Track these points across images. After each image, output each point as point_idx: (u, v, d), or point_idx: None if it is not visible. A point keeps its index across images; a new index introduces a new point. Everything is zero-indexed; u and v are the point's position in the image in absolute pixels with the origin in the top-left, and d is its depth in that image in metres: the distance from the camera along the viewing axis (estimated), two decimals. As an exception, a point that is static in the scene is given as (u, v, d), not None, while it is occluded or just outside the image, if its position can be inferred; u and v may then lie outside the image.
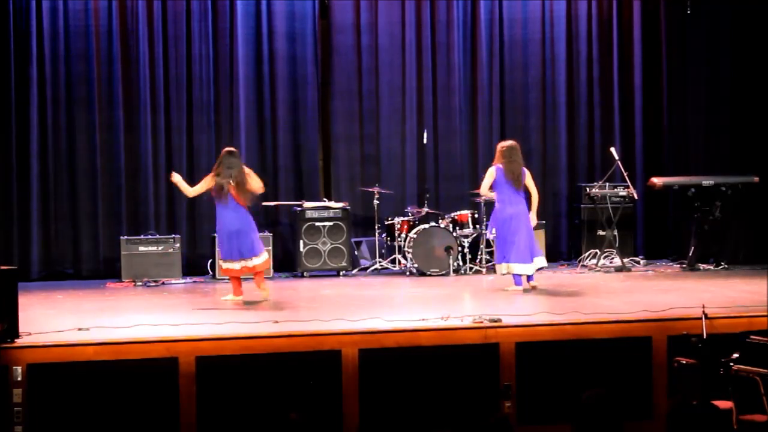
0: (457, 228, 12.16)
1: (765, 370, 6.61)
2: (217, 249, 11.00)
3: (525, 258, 10.35)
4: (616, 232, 12.60)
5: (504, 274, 10.49)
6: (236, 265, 9.88)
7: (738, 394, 6.65)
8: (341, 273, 12.24)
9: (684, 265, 12.28)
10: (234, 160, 9.93)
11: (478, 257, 12.28)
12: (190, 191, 10.13)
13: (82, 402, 7.43)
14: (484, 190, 10.64)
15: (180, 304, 9.98)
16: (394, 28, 13.19)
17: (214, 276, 12.00)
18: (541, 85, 13.48)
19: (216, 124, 12.76)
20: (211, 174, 9.95)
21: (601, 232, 12.72)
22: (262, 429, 7.45)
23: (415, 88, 13.23)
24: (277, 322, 8.38)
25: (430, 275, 11.87)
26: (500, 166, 10.48)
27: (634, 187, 12.62)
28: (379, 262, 12.51)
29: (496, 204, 10.55)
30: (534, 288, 10.41)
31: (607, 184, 12.74)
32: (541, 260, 10.55)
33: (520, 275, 10.40)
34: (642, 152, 13.61)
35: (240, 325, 8.35)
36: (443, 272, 11.91)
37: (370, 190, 12.64)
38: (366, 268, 12.55)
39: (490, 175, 10.51)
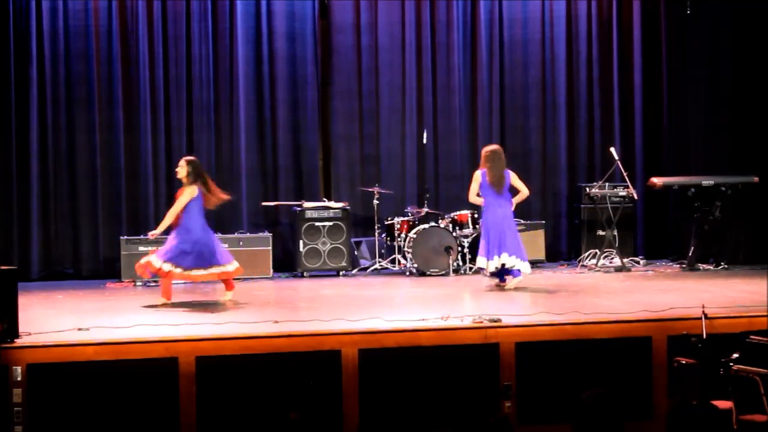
0: (457, 228, 12.16)
1: (765, 370, 6.61)
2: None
3: (520, 255, 10.54)
4: (616, 232, 12.61)
5: (495, 269, 10.58)
6: (230, 267, 9.91)
7: (738, 394, 6.65)
8: (341, 273, 12.24)
9: (684, 265, 12.27)
10: None
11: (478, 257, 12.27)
12: (174, 212, 9.88)
13: (82, 402, 7.44)
14: (473, 196, 10.74)
15: (180, 304, 9.97)
16: (394, 28, 13.19)
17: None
18: (541, 85, 13.48)
19: (216, 124, 12.76)
20: (192, 185, 9.83)
21: (601, 232, 12.72)
22: (262, 429, 7.45)
23: (415, 88, 13.24)
24: (277, 322, 8.38)
25: (430, 275, 11.87)
26: (485, 170, 10.57)
27: (634, 187, 12.62)
28: (379, 262, 12.50)
29: (484, 208, 10.69)
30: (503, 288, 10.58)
31: (607, 184, 12.74)
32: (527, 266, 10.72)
33: (518, 269, 10.57)
34: (642, 152, 13.61)
35: (240, 325, 8.35)
36: (443, 272, 11.91)
37: (370, 190, 12.64)
38: (366, 268, 12.55)
39: (476, 180, 10.63)
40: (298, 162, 13.03)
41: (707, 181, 12.46)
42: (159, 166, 12.59)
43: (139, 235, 12.06)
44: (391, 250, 12.56)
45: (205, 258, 9.81)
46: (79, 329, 7.97)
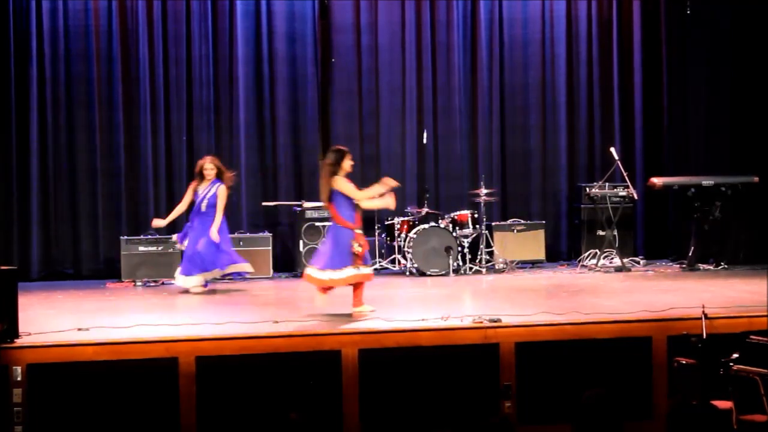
0: (457, 228, 12.16)
1: (765, 370, 6.61)
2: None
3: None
4: (615, 232, 12.61)
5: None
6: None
7: (738, 394, 6.65)
8: (341, 273, 12.23)
9: (684, 265, 12.27)
10: None
11: (478, 257, 12.29)
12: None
13: (82, 402, 7.43)
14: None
15: (180, 304, 9.97)
16: (394, 28, 13.19)
17: (214, 276, 12.02)
18: (541, 85, 13.49)
19: (216, 124, 12.77)
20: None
21: (601, 232, 12.72)
22: (262, 429, 7.45)
23: (415, 88, 13.24)
24: (277, 322, 8.37)
25: (430, 275, 11.87)
26: None
27: (634, 187, 12.63)
28: (379, 262, 12.50)
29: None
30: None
31: (607, 184, 12.74)
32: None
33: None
34: (642, 152, 13.61)
35: (240, 325, 8.35)
36: (443, 272, 11.90)
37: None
38: (366, 268, 12.53)
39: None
40: (298, 162, 13.03)
41: (707, 181, 12.45)
42: (159, 166, 12.59)
43: (139, 235, 12.06)
44: (391, 250, 12.55)
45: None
46: (79, 329, 7.97)
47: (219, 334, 7.94)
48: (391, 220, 12.47)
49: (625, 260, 12.24)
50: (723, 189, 12.41)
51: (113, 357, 7.54)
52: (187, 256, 10.71)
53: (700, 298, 8.94)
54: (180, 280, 10.72)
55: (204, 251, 10.57)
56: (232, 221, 12.57)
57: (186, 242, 10.77)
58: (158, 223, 11.01)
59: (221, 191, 10.73)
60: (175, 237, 11.09)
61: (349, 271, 8.72)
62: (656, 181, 12.64)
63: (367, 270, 8.86)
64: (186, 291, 10.64)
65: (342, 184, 8.86)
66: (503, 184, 13.40)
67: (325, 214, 12.27)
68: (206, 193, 10.74)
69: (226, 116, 12.79)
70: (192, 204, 10.85)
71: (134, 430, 7.49)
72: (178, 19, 12.60)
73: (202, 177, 10.80)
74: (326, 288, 8.85)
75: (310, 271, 8.87)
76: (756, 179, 12.52)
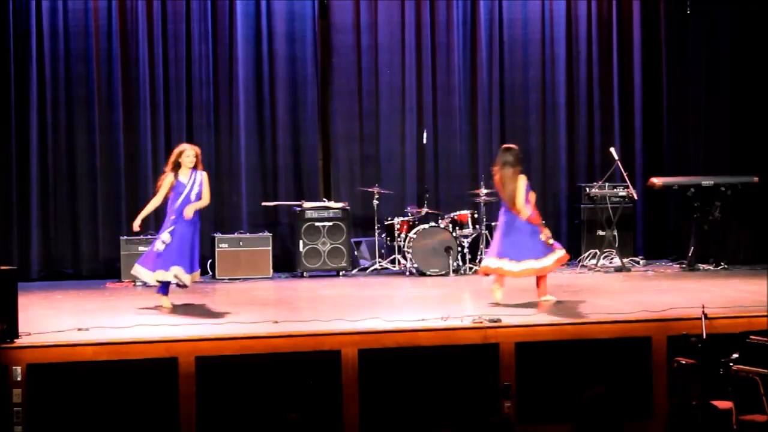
0: (457, 228, 12.16)
1: (765, 370, 6.62)
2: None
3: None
4: (615, 233, 12.61)
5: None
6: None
7: (738, 394, 6.65)
8: (341, 273, 12.24)
9: (684, 265, 12.27)
10: None
11: (478, 257, 12.28)
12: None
13: (81, 402, 7.44)
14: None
15: (180, 305, 9.96)
16: (394, 28, 13.19)
17: (214, 276, 12.00)
18: (541, 85, 13.48)
19: (216, 124, 12.76)
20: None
21: (600, 232, 12.72)
22: (262, 429, 7.45)
23: (415, 88, 13.24)
24: (277, 322, 8.38)
25: (429, 275, 11.87)
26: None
27: (634, 187, 12.62)
28: (379, 262, 12.50)
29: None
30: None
31: (607, 184, 12.74)
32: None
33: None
34: (642, 152, 13.61)
35: (240, 325, 8.35)
36: (443, 272, 11.90)
37: (370, 190, 12.64)
38: (366, 268, 12.55)
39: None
40: (298, 162, 13.03)
41: (707, 181, 12.45)
42: (159, 166, 12.52)
43: (139, 235, 12.04)
44: (391, 250, 12.55)
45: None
46: (79, 329, 7.97)
47: (219, 334, 7.95)
48: (390, 220, 12.48)
49: (625, 260, 12.24)
50: (723, 189, 12.41)
51: (113, 357, 7.54)
52: (177, 249, 9.52)
53: (700, 298, 8.95)
54: (170, 275, 9.56)
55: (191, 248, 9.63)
56: (233, 221, 12.61)
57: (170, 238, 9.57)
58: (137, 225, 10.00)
59: (206, 177, 9.67)
60: (167, 235, 9.64)
61: (550, 259, 9.33)
62: (656, 181, 12.64)
63: (549, 261, 9.40)
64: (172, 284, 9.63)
65: (522, 184, 9.25)
66: (503, 184, 13.38)
67: (325, 214, 12.29)
68: (192, 182, 9.57)
69: (226, 116, 12.79)
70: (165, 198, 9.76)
71: (134, 430, 7.49)
72: (178, 19, 12.59)
73: (178, 166, 9.61)
74: (502, 276, 9.35)
75: (502, 264, 9.36)
76: (756, 179, 12.52)
